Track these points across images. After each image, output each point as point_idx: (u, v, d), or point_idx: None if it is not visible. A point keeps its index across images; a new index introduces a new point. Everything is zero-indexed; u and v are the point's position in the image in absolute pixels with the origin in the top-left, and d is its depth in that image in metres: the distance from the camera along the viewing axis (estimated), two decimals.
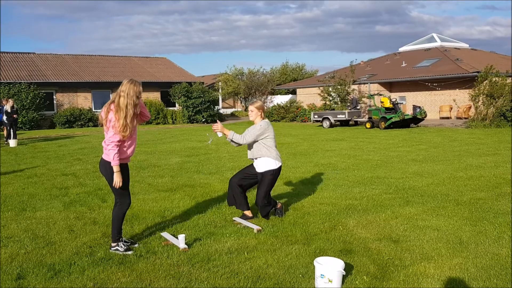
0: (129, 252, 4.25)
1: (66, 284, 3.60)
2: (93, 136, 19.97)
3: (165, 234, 4.76)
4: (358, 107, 24.30)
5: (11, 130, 16.30)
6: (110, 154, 4.12)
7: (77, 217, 5.62)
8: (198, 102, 28.80)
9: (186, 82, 29.90)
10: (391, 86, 29.44)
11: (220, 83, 40.90)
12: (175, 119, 29.55)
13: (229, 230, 4.94)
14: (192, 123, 29.22)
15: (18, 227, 5.19)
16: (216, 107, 31.63)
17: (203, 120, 28.99)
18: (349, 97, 26.20)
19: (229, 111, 39.87)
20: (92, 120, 27.36)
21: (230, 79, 41.14)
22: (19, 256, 4.24)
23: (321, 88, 28.05)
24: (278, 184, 7.46)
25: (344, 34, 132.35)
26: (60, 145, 15.56)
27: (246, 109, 41.56)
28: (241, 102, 44.16)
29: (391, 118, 19.95)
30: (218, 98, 38.44)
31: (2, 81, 25.56)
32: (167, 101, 30.43)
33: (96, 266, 3.94)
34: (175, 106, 30.83)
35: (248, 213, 5.40)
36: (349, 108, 24.43)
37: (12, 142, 15.48)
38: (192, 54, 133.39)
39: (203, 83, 32.24)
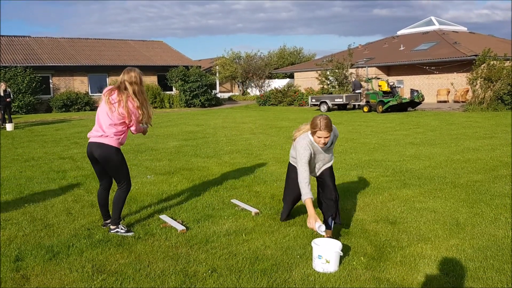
0: (129, 234, 4.27)
1: (64, 265, 3.62)
2: (90, 120, 19.88)
3: (163, 217, 4.77)
4: (359, 91, 24.13)
5: (5, 114, 16.22)
6: (139, 130, 4.40)
7: (75, 200, 5.62)
8: (195, 86, 28.64)
9: (183, 66, 29.69)
10: (389, 69, 29.33)
11: (217, 67, 40.62)
12: (172, 103, 29.41)
13: (227, 212, 4.96)
14: (190, 107, 29.10)
15: (16, 210, 5.19)
16: (213, 91, 31.47)
17: (199, 104, 28.87)
18: (351, 80, 26.02)
19: (226, 95, 39.67)
20: (89, 104, 27.17)
21: (227, 63, 40.83)
22: (18, 238, 4.25)
23: (318, 72, 27.94)
24: (276, 168, 7.47)
25: (342, 18, 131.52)
26: (57, 129, 15.51)
27: (243, 93, 41.39)
28: (238, 86, 43.95)
29: (388, 101, 19.91)
30: (216, 82, 38.23)
31: None
32: (164, 85, 30.24)
33: (95, 248, 3.96)
34: (172, 90, 30.66)
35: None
36: (352, 90, 24.17)
37: (9, 126, 15.43)
38: (188, 38, 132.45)
39: (200, 67, 32.03)
